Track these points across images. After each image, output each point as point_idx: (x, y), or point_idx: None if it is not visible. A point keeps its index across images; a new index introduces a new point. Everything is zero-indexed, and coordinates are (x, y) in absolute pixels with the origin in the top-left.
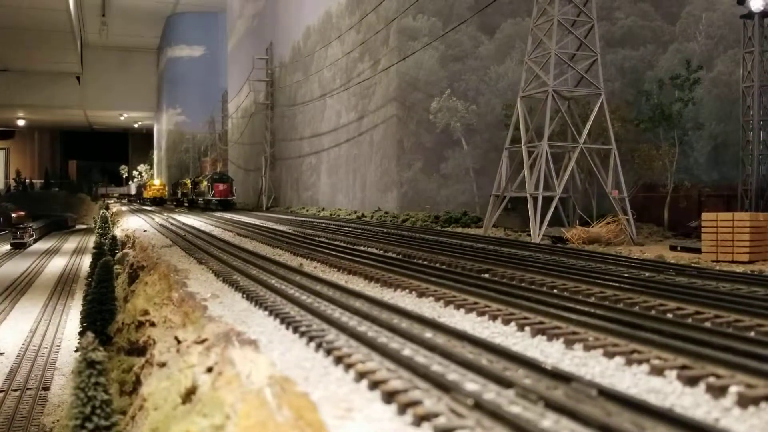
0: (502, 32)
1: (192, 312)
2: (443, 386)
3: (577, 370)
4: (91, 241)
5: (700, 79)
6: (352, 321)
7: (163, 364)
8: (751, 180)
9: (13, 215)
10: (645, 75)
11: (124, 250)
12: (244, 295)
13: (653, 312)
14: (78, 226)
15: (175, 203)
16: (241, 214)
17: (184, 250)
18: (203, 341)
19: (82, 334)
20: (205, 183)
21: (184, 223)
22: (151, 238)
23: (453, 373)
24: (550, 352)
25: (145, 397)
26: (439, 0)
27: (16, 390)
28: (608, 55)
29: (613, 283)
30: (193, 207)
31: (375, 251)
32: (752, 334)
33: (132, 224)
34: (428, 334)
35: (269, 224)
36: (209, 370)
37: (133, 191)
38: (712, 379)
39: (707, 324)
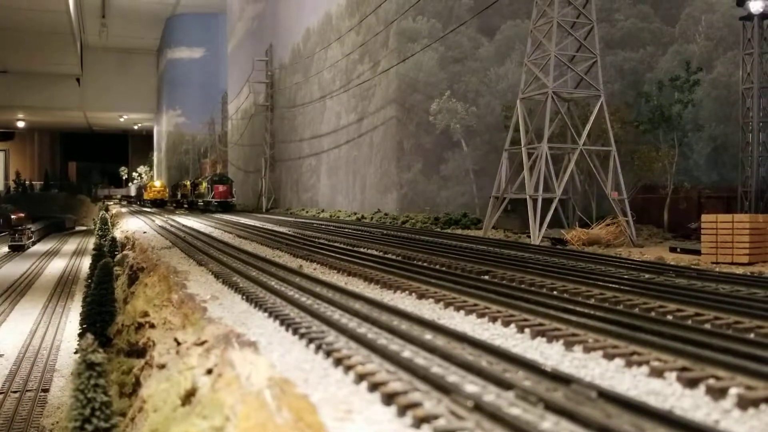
0: (502, 34)
1: (192, 314)
2: (443, 388)
3: (576, 371)
4: (90, 242)
5: (700, 80)
6: (352, 323)
7: (162, 366)
8: (751, 182)
9: (12, 216)
10: (645, 77)
11: (124, 252)
12: (244, 297)
13: (653, 314)
14: (78, 228)
15: (174, 205)
16: (241, 215)
17: (184, 251)
18: (203, 343)
19: (81, 335)
20: (204, 184)
21: (183, 225)
22: (150, 239)
23: (453, 375)
24: (549, 354)
25: (144, 398)
26: (438, 2)
27: (15, 392)
28: (608, 57)
29: (613, 285)
30: (193, 208)
31: (375, 253)
32: (752, 335)
33: (131, 226)
34: (428, 336)
35: (269, 226)
36: (209, 371)
37: (132, 192)
38: (711, 381)
39: (707, 326)
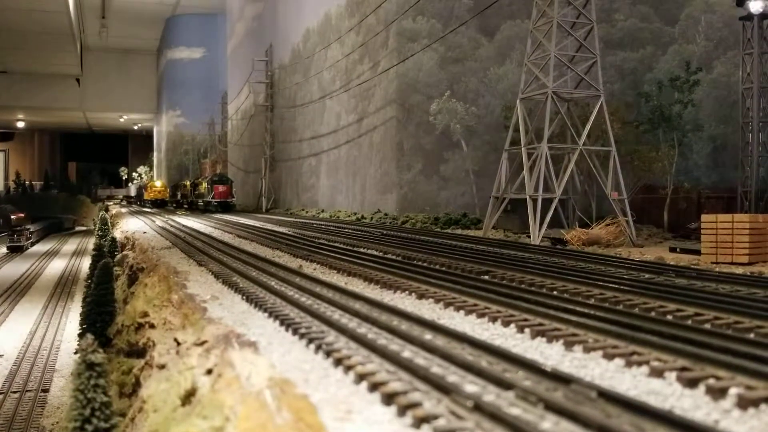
0: (502, 34)
1: (192, 314)
2: (443, 388)
3: (576, 371)
4: (90, 243)
5: (700, 80)
6: (352, 323)
7: (162, 366)
8: (751, 182)
9: (12, 217)
10: (644, 77)
11: (124, 252)
12: (244, 297)
13: (653, 314)
14: (78, 228)
15: (174, 205)
16: (241, 215)
17: (184, 251)
18: (203, 343)
19: (81, 336)
20: (204, 185)
21: (183, 225)
22: (150, 239)
23: (453, 375)
24: (549, 354)
25: (144, 399)
26: (438, 2)
27: (15, 392)
28: (608, 57)
29: (613, 285)
30: (193, 209)
31: (375, 253)
32: (752, 335)
33: (131, 226)
34: (428, 336)
35: (269, 226)
36: (209, 372)
37: (132, 193)
38: (711, 381)
39: (707, 326)
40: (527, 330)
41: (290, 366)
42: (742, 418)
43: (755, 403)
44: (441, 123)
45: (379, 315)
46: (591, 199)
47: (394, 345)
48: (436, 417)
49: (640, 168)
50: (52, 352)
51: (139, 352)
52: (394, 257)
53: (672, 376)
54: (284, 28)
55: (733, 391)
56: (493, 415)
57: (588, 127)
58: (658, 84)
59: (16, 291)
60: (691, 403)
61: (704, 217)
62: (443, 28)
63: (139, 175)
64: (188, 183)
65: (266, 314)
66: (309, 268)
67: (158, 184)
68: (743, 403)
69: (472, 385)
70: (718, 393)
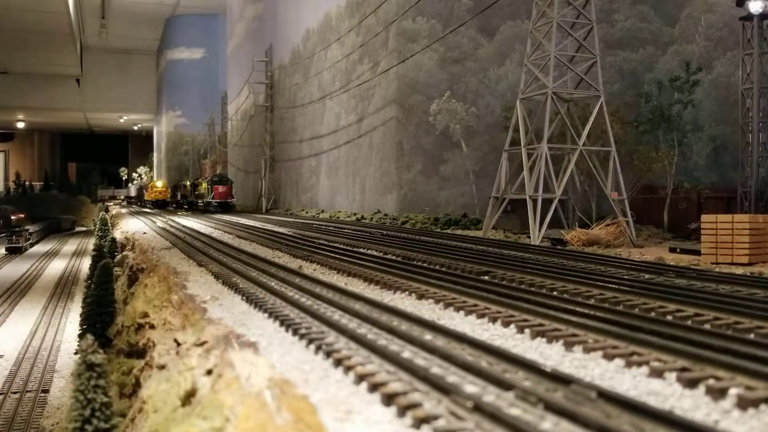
0: (502, 34)
1: (191, 314)
2: (443, 388)
3: (576, 372)
4: (90, 243)
5: (700, 81)
6: (352, 323)
7: (162, 367)
8: (751, 182)
9: (12, 217)
10: (644, 77)
11: (124, 253)
12: (244, 298)
13: (653, 314)
14: (78, 228)
15: (174, 205)
16: (241, 216)
17: (184, 252)
18: (203, 344)
19: (81, 336)
20: (204, 185)
21: (183, 226)
22: (150, 240)
23: (453, 376)
24: (549, 354)
25: (144, 399)
26: (438, 2)
27: (15, 392)
28: (607, 57)
29: (613, 285)
30: (193, 209)
31: (374, 253)
32: (752, 336)
33: (131, 226)
34: (428, 337)
35: (269, 226)
36: (209, 372)
37: (132, 193)
38: (711, 381)
39: (707, 326)
40: (527, 330)
41: (290, 366)
42: (742, 418)
43: (755, 403)
44: (441, 123)
45: (379, 315)
46: (591, 200)
47: (394, 345)
48: (436, 417)
49: (640, 168)
50: (52, 352)
51: (139, 352)
52: (394, 258)
53: (672, 376)
54: (284, 29)
55: (733, 391)
56: (493, 415)
57: (588, 127)
58: (658, 84)
59: (16, 291)
60: (691, 404)
61: (704, 218)
62: (443, 28)
63: (139, 175)
64: (188, 183)
65: (266, 315)
66: (309, 268)
67: (159, 184)
68: (743, 404)
69: (472, 386)
70: (718, 393)
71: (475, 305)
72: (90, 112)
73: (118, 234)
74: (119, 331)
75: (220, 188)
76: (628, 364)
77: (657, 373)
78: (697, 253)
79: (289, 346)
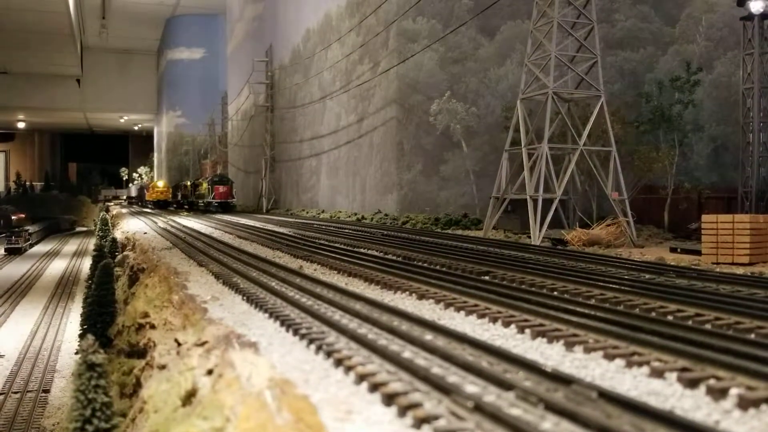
0: (502, 34)
1: (192, 314)
2: (443, 388)
3: (577, 372)
4: (91, 243)
5: (700, 81)
6: (353, 323)
7: (163, 367)
8: (751, 182)
9: (13, 218)
10: (645, 77)
11: (125, 253)
12: (245, 298)
13: (653, 314)
14: (79, 228)
15: (175, 206)
16: (241, 216)
17: (184, 252)
18: (203, 344)
19: (82, 336)
20: (205, 185)
21: (184, 226)
22: (151, 240)
23: (453, 376)
24: (550, 355)
25: (145, 399)
26: (438, 2)
27: (16, 392)
28: (608, 57)
29: (614, 285)
30: (194, 209)
31: (375, 253)
32: (752, 336)
33: (132, 227)
34: (428, 337)
35: (269, 226)
36: (209, 372)
37: (133, 193)
38: (712, 382)
39: (707, 326)
40: (528, 330)
41: (290, 366)
42: (743, 418)
43: (756, 403)
44: (441, 123)
45: (379, 315)
46: (591, 200)
47: (395, 345)
48: (436, 417)
49: (641, 168)
50: (53, 352)
51: (139, 352)
52: (394, 258)
53: (673, 376)
54: (284, 29)
55: (734, 391)
56: (494, 415)
57: (588, 127)
58: (658, 84)
59: (17, 292)
60: (691, 404)
61: (705, 218)
62: (443, 28)
63: (140, 175)
64: (189, 183)
65: (267, 315)
66: (309, 268)
67: (161, 184)
68: (744, 404)
69: (472, 386)
70: (718, 393)
71: (476, 305)
72: (90, 112)
73: (118, 234)
74: (120, 331)
75: (221, 188)
76: (629, 364)
77: (658, 373)
78: (698, 253)
79: (289, 346)
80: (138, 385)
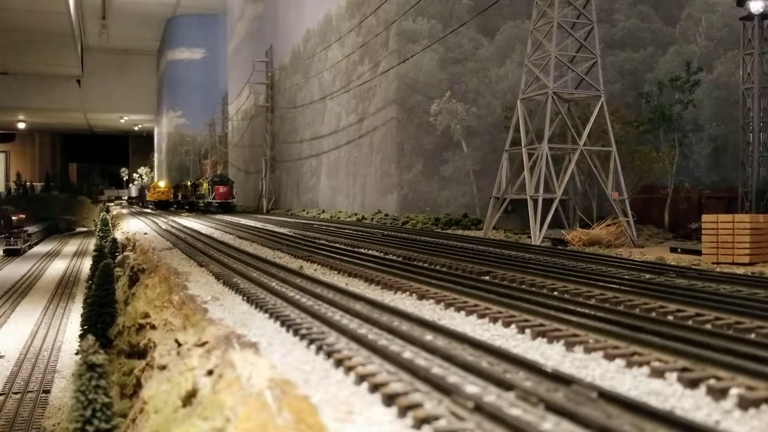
0: (502, 34)
1: (192, 315)
2: (444, 389)
3: (577, 372)
4: (91, 244)
5: (700, 81)
6: (353, 323)
7: (163, 367)
8: (752, 182)
9: (13, 218)
10: (645, 77)
11: (125, 253)
12: (245, 298)
13: (654, 314)
14: (79, 229)
15: (176, 206)
16: (242, 216)
17: (185, 252)
18: (204, 344)
19: (82, 337)
20: (205, 185)
21: (184, 226)
22: (151, 240)
23: (453, 376)
24: (550, 355)
25: (145, 399)
26: (438, 2)
27: (16, 393)
28: (608, 57)
29: (614, 285)
30: (194, 209)
31: (375, 254)
32: (753, 336)
33: (132, 227)
34: (429, 337)
35: (269, 227)
36: (210, 372)
37: (134, 193)
38: (712, 382)
39: (708, 326)
40: (528, 330)
41: (291, 367)
42: (743, 418)
43: (756, 403)
44: (441, 123)
45: (379, 316)
46: (591, 200)
47: (395, 346)
48: (436, 418)
49: (641, 168)
50: (53, 353)
51: (140, 353)
52: (394, 258)
53: (673, 376)
54: (285, 29)
55: (734, 391)
56: (494, 415)
57: (588, 127)
58: (658, 84)
59: (17, 292)
60: (692, 404)
61: (705, 218)
62: (443, 28)
63: (140, 176)
64: (189, 184)
65: (267, 315)
66: (310, 269)
67: (162, 184)
68: (744, 404)
69: (472, 386)
70: (719, 393)
71: (476, 305)
72: (90, 112)
73: (118, 234)
74: (120, 331)
75: (221, 188)
76: (629, 365)
77: (658, 373)
78: (698, 253)
79: (290, 346)
80: (138, 385)
